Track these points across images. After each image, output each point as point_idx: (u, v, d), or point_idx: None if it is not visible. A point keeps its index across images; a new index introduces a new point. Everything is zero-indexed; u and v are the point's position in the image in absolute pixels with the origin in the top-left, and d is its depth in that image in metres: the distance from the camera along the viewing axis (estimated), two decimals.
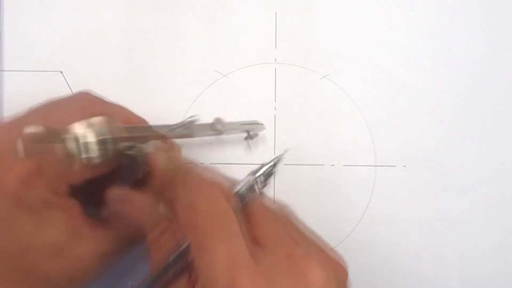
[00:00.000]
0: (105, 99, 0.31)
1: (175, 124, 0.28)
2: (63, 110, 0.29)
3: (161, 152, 0.28)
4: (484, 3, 0.36)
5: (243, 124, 0.32)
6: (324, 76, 0.36)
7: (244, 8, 0.36)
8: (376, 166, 0.35)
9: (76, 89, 0.33)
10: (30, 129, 0.23)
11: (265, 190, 0.28)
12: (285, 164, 0.35)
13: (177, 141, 0.34)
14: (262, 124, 0.34)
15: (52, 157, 0.26)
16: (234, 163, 0.35)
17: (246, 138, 0.31)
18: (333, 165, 0.35)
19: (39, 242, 0.25)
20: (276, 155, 0.29)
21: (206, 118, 0.35)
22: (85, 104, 0.29)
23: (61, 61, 0.35)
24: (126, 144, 0.26)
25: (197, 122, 0.29)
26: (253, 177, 0.27)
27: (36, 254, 0.25)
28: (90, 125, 0.25)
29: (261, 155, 0.35)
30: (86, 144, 0.25)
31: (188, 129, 0.29)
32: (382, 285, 0.34)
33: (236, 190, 0.27)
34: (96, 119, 0.25)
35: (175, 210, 0.25)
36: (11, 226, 0.25)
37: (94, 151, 0.24)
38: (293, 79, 0.35)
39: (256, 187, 0.27)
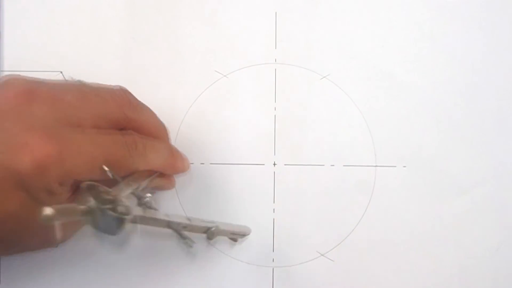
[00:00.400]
0: (139, 101, 0.30)
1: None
2: (102, 101, 0.28)
3: None
4: (485, 3, 0.36)
5: (233, 233, 0.33)
6: (324, 77, 0.36)
7: (244, 8, 0.36)
8: (376, 166, 0.35)
9: None
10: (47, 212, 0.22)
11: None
12: (285, 165, 0.35)
13: (178, 137, 0.34)
14: (249, 230, 0.34)
15: (75, 149, 0.25)
16: (235, 163, 0.35)
17: (232, 239, 0.32)
18: (333, 165, 0.35)
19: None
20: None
21: (206, 118, 0.35)
22: (123, 103, 0.29)
23: (60, 61, 0.35)
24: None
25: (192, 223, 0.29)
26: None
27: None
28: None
29: (262, 155, 0.35)
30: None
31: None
32: (382, 285, 0.34)
33: None
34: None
35: None
36: None
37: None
38: (293, 79, 0.35)
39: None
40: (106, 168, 0.27)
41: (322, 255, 0.34)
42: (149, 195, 0.28)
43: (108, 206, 0.25)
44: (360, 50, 0.36)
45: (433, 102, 0.35)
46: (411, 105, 0.35)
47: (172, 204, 0.34)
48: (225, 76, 0.36)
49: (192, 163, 0.35)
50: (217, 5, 0.36)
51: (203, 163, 0.35)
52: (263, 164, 0.35)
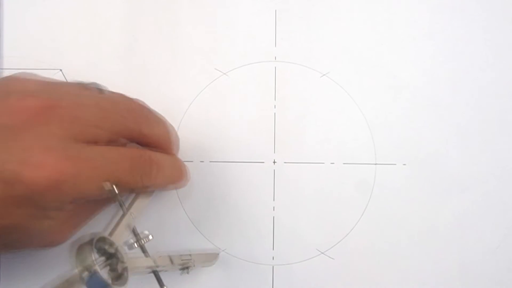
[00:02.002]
0: (155, 116, 0.31)
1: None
2: (120, 119, 0.28)
3: None
4: (486, 2, 0.36)
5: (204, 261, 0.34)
6: (324, 74, 0.36)
7: (244, 6, 0.36)
8: (376, 164, 0.35)
9: None
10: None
11: None
12: (285, 162, 0.35)
13: (178, 135, 0.34)
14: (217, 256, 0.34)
15: (90, 172, 0.26)
16: (235, 161, 0.35)
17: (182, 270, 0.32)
18: (333, 163, 0.35)
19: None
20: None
21: (206, 116, 0.35)
22: (140, 120, 0.29)
23: (60, 59, 0.35)
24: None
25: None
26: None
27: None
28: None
29: (261, 153, 0.35)
30: None
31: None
32: (382, 283, 0.34)
33: None
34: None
35: None
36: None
37: None
38: (293, 77, 0.35)
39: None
40: (116, 191, 0.27)
41: (322, 253, 0.34)
42: (150, 237, 0.28)
43: (108, 262, 0.25)
44: (360, 48, 0.36)
45: (433, 100, 0.35)
46: (411, 103, 0.35)
47: (172, 202, 0.34)
48: (225, 74, 0.36)
49: (192, 161, 0.35)
50: (217, 3, 0.36)
51: (202, 161, 0.35)
52: (263, 162, 0.35)
